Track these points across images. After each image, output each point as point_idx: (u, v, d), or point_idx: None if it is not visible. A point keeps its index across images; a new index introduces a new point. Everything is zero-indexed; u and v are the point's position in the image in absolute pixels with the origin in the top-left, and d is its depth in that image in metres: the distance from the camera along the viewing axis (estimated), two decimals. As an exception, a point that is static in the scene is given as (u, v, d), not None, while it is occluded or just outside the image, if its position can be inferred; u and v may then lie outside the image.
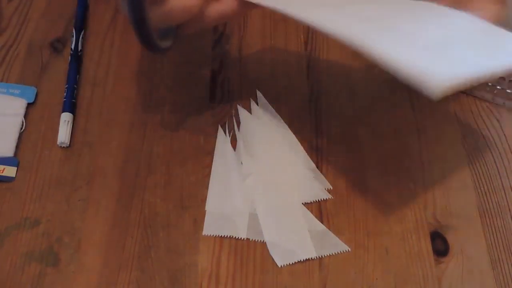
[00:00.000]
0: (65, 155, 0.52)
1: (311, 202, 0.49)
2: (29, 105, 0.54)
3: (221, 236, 0.47)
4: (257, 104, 0.55)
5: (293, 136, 0.53)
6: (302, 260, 0.46)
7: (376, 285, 0.45)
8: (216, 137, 0.53)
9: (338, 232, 0.48)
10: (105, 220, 0.48)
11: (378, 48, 0.39)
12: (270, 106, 0.55)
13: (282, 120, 0.54)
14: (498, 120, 0.55)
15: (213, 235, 0.47)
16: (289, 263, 0.46)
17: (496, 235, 0.48)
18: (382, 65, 0.38)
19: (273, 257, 0.46)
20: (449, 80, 0.37)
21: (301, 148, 0.52)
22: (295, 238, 0.47)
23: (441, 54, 0.41)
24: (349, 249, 0.47)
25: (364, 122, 0.55)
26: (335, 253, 0.46)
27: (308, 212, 0.48)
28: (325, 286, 0.45)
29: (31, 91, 0.55)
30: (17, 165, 0.51)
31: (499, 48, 0.44)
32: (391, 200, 0.50)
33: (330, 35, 0.41)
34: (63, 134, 0.52)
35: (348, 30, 0.41)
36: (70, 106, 0.54)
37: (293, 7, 0.44)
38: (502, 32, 0.47)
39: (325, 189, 0.50)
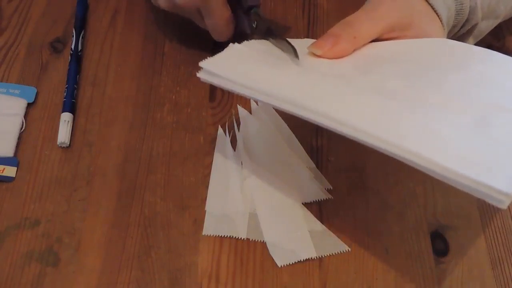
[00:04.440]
0: (65, 155, 0.52)
1: (311, 202, 0.49)
2: (29, 105, 0.55)
3: (221, 236, 0.47)
4: (257, 104, 0.55)
5: (293, 136, 0.53)
6: (302, 260, 0.46)
7: (376, 285, 0.45)
8: (216, 137, 0.53)
9: (338, 232, 0.47)
10: (105, 220, 0.48)
11: (414, 154, 0.36)
12: (270, 106, 0.55)
13: (282, 120, 0.54)
14: (498, 120, 0.55)
15: (213, 235, 0.47)
16: (289, 263, 0.46)
17: (496, 235, 0.48)
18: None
19: (273, 257, 0.46)
20: None
21: (301, 148, 0.52)
22: (295, 238, 0.47)
23: (490, 144, 0.37)
24: (349, 249, 0.47)
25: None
26: (335, 253, 0.46)
27: (308, 212, 0.48)
28: (325, 286, 0.45)
29: (31, 91, 0.55)
30: (17, 165, 0.51)
31: None
32: (391, 200, 0.50)
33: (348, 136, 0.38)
34: (63, 134, 0.52)
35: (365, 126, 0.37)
36: (70, 106, 0.54)
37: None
38: None
39: (325, 189, 0.50)
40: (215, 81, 0.43)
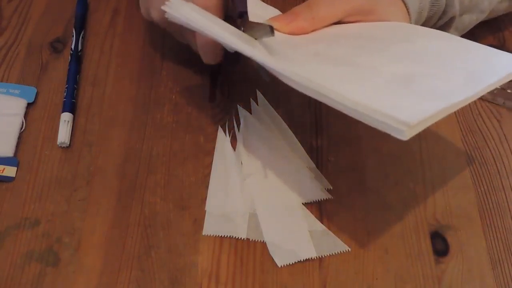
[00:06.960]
0: (65, 155, 0.52)
1: (311, 202, 0.49)
2: (29, 105, 0.55)
3: (221, 236, 0.47)
4: (257, 104, 0.55)
5: (293, 136, 0.53)
6: (302, 260, 0.46)
7: (376, 285, 0.45)
8: (216, 137, 0.53)
9: (338, 232, 0.47)
10: (105, 220, 0.48)
11: (334, 94, 0.39)
12: (270, 106, 0.55)
13: (282, 120, 0.54)
14: (498, 120, 0.55)
15: (213, 235, 0.47)
16: (289, 263, 0.46)
17: (496, 235, 0.48)
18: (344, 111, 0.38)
19: (273, 257, 0.46)
20: (415, 122, 0.36)
21: (301, 148, 0.52)
22: (295, 238, 0.47)
23: (403, 93, 0.41)
24: (349, 249, 0.47)
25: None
26: (335, 253, 0.46)
27: (308, 212, 0.48)
28: (325, 286, 0.45)
29: (31, 91, 0.55)
30: (17, 165, 0.51)
31: (474, 69, 0.44)
32: (391, 200, 0.50)
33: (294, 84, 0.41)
34: (63, 134, 0.52)
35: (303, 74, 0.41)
36: (70, 106, 0.54)
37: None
38: (477, 49, 0.47)
39: (325, 189, 0.50)
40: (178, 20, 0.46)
